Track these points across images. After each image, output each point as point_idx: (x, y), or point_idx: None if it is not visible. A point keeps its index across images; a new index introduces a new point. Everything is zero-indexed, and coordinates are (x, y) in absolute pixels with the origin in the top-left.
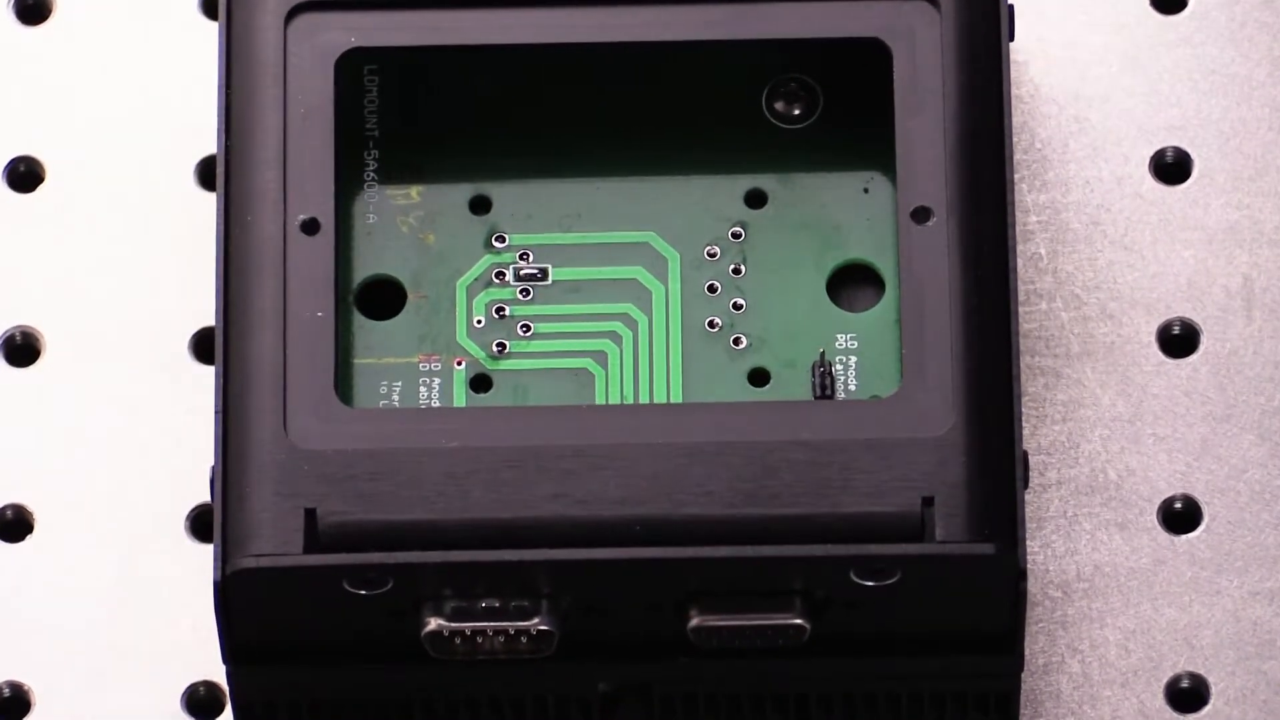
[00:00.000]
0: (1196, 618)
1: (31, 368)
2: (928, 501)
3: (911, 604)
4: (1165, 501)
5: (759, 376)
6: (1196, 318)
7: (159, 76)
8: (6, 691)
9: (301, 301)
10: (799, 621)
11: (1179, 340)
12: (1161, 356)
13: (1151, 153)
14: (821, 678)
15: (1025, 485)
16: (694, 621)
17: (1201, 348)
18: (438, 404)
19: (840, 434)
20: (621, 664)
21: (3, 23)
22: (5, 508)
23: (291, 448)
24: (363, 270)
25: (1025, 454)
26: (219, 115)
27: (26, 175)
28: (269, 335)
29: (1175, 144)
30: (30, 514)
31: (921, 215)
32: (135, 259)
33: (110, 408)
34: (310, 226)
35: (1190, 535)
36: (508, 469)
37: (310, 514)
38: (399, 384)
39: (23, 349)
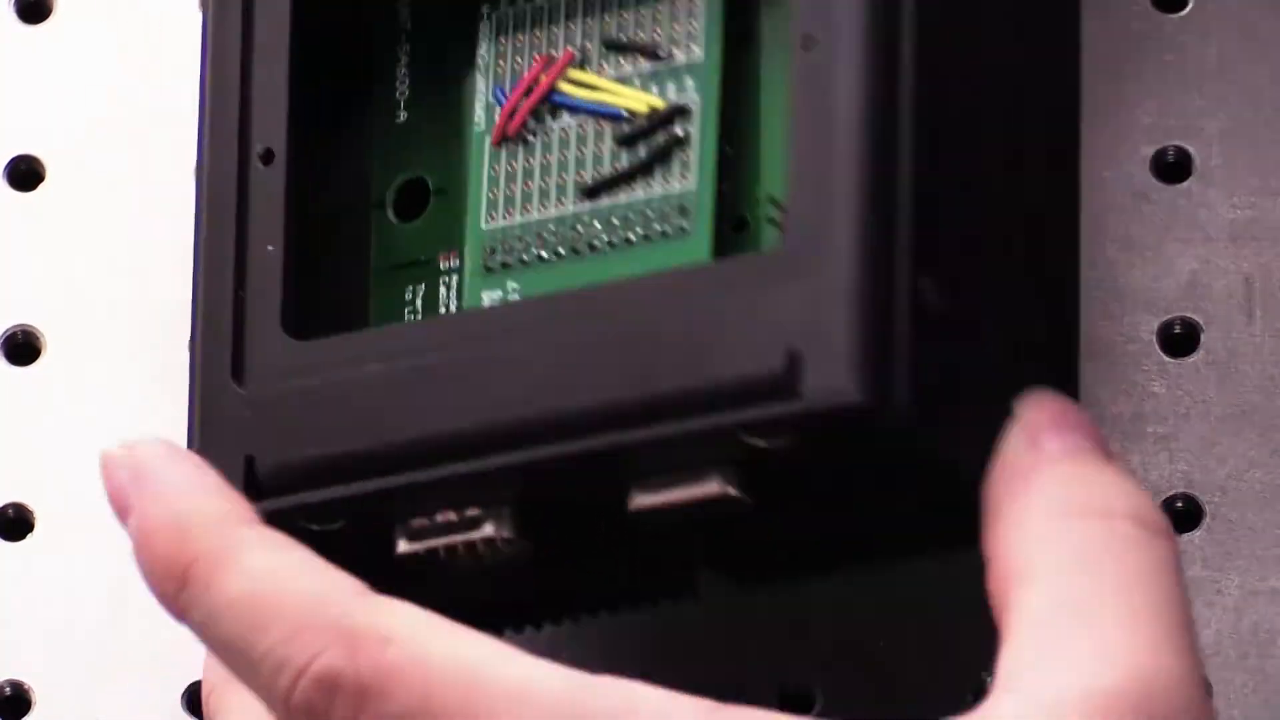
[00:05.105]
0: (1196, 618)
1: (31, 367)
2: (796, 357)
3: (838, 469)
4: (1165, 501)
5: (739, 224)
6: (1198, 317)
7: (160, 75)
8: (7, 691)
9: (258, 236)
10: (732, 492)
11: (1180, 340)
12: (1162, 356)
13: (1151, 153)
14: (774, 538)
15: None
16: (634, 504)
17: (1202, 347)
18: (454, 306)
19: (712, 297)
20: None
21: (3, 22)
22: (5, 507)
23: (236, 394)
24: (394, 171)
25: (927, 299)
26: (201, 61)
27: (26, 174)
28: (225, 276)
29: (1175, 144)
30: (30, 513)
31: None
32: (136, 258)
33: (110, 408)
34: (266, 157)
35: (1190, 535)
36: (416, 387)
37: (249, 461)
38: (421, 287)
39: (23, 348)
